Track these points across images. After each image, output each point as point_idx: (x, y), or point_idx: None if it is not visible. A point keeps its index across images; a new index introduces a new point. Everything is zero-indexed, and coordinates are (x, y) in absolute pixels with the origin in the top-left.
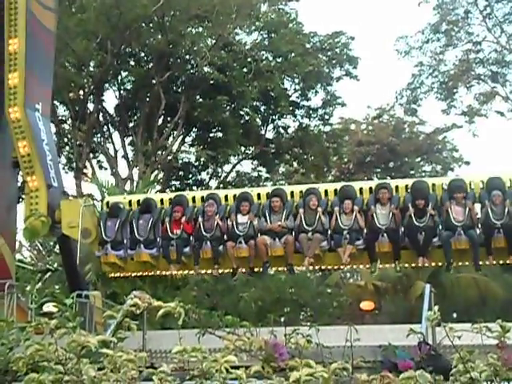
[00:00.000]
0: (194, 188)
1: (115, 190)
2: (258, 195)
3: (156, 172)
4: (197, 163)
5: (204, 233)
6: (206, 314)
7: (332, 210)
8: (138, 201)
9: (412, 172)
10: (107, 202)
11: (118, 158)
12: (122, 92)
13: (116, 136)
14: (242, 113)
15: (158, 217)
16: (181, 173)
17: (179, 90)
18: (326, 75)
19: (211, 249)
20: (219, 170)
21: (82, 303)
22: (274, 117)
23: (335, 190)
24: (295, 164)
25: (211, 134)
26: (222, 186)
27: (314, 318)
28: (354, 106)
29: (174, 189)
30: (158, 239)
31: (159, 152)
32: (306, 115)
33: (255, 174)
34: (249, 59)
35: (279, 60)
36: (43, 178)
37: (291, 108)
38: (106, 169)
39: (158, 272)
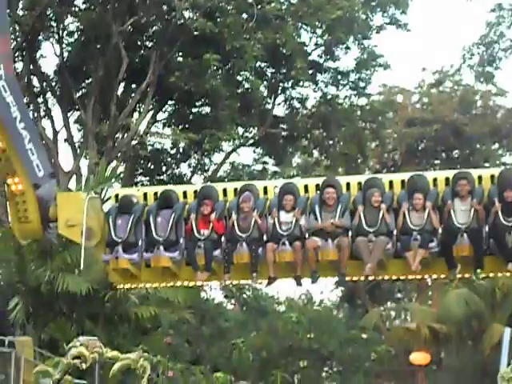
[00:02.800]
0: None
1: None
2: (306, 187)
3: (114, 163)
4: (174, 151)
5: (239, 233)
6: (184, 369)
7: (399, 206)
8: (156, 194)
9: (486, 164)
10: (117, 195)
11: (58, 143)
12: (64, 47)
13: (56, 110)
14: (239, 78)
15: (181, 213)
16: (151, 165)
17: (148, 45)
18: (361, 24)
19: (249, 252)
20: (206, 160)
21: (3, 354)
22: (285, 84)
23: (402, 182)
24: (316, 153)
25: (195, 110)
26: (210, 183)
27: (343, 377)
28: (403, 69)
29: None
30: (182, 240)
31: (119, 134)
32: (333, 82)
33: (258, 166)
34: (250, 0)
35: (293, 1)
36: (28, 179)
37: (311, 71)
38: None
39: (179, 282)
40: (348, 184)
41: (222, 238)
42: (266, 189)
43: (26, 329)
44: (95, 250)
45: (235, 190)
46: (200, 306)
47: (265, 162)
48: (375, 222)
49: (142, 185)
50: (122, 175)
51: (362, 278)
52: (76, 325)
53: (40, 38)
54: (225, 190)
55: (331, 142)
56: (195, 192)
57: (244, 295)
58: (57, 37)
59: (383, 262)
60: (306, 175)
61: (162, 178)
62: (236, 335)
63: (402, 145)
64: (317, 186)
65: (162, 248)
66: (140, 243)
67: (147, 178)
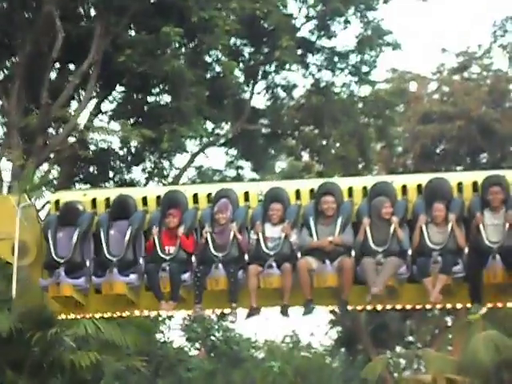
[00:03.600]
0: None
1: None
2: (297, 193)
3: (47, 166)
4: (124, 151)
5: (214, 251)
6: None
7: (414, 218)
8: (108, 200)
9: None
10: (57, 202)
11: None
12: None
13: None
14: (208, 59)
15: (141, 225)
16: (94, 169)
17: (90, 14)
18: None
19: (226, 276)
20: (165, 164)
21: None
22: (267, 68)
23: (419, 187)
24: (306, 155)
25: (150, 99)
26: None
27: None
28: (417, 50)
29: (87, 190)
30: (141, 261)
31: (52, 129)
32: (328, 65)
33: (232, 172)
34: None
35: None
36: None
37: (300, 52)
38: None
39: (138, 312)
40: (350, 189)
41: (193, 258)
42: (247, 195)
43: None
44: (29, 272)
45: (208, 195)
46: (155, 350)
47: (240, 167)
48: (385, 240)
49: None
50: (54, 182)
51: (368, 307)
52: None
53: None
54: (195, 196)
55: (325, 142)
56: (158, 198)
57: (212, 337)
58: None
59: (395, 289)
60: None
61: (107, 185)
62: None
63: (415, 146)
64: (311, 191)
65: (115, 271)
66: (88, 264)
67: (88, 186)
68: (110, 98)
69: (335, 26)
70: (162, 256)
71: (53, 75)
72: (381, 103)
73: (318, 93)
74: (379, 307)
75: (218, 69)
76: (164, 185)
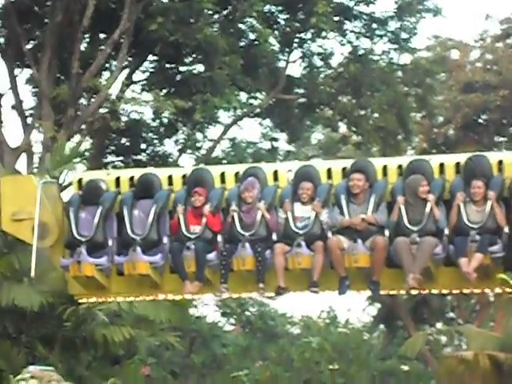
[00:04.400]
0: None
1: None
2: (329, 172)
3: (78, 138)
4: (156, 123)
5: (240, 230)
6: None
7: (452, 197)
8: (132, 179)
9: None
10: (80, 181)
11: (2, 110)
12: None
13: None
14: (241, 26)
15: (165, 204)
16: (126, 140)
17: None
18: None
19: (253, 256)
20: (198, 136)
21: None
22: (303, 35)
23: (457, 166)
24: (343, 126)
25: (183, 68)
26: (203, 165)
27: None
28: (459, 17)
29: (111, 169)
30: (165, 240)
31: (83, 100)
32: (366, 32)
33: (267, 144)
34: None
35: None
36: None
37: (337, 19)
38: None
39: (161, 295)
40: (385, 168)
41: (219, 238)
42: (276, 174)
43: None
44: (51, 253)
45: (236, 174)
46: (189, 326)
47: (275, 139)
48: (420, 219)
49: (114, 167)
50: (87, 154)
51: (403, 292)
52: (25, 350)
53: None
54: (223, 175)
55: (363, 112)
56: (184, 177)
57: (247, 312)
58: None
59: (430, 272)
60: (330, 156)
61: (140, 157)
62: (236, 365)
63: (456, 117)
64: (343, 170)
65: (139, 250)
66: (110, 243)
67: (120, 158)
68: (142, 67)
69: None
70: (187, 235)
71: (84, 44)
72: (421, 71)
73: (355, 61)
74: (414, 292)
75: (252, 37)
76: (197, 157)
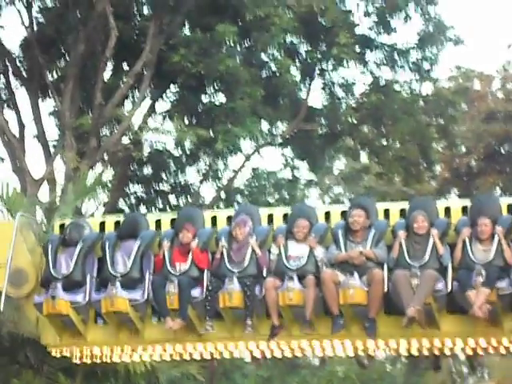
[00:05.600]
0: (173, 200)
1: (21, 198)
2: (327, 215)
3: (100, 168)
4: (178, 152)
5: (229, 266)
6: None
7: (457, 234)
8: (117, 223)
9: None
10: (62, 226)
11: (25, 140)
12: (34, 14)
13: (22, 97)
14: (264, 58)
15: (151, 242)
16: (148, 170)
17: (145, 12)
18: None
19: (241, 290)
20: (220, 165)
21: None
22: (324, 65)
23: (463, 209)
24: (365, 156)
25: (205, 99)
26: (225, 194)
27: None
28: (480, 47)
29: (134, 199)
30: (148, 277)
31: (106, 130)
32: (388, 62)
33: (288, 173)
34: None
35: None
36: None
37: (358, 49)
38: (1, 159)
39: (139, 345)
40: (387, 211)
41: (205, 274)
42: (271, 217)
43: None
44: (26, 302)
45: (228, 218)
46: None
47: (296, 168)
48: (422, 254)
49: (137, 197)
50: (108, 184)
51: (403, 342)
52: (47, 381)
53: (2, 2)
54: (214, 218)
55: (385, 142)
56: (173, 221)
57: None
58: (25, 2)
59: (433, 317)
60: (352, 185)
61: (161, 187)
62: None
63: (478, 147)
64: (343, 213)
65: (118, 285)
66: (88, 281)
67: (142, 187)
68: (164, 97)
69: (395, 21)
70: (172, 272)
71: (106, 75)
72: (443, 101)
73: (377, 91)
74: (414, 352)
75: (273, 67)
76: (218, 187)
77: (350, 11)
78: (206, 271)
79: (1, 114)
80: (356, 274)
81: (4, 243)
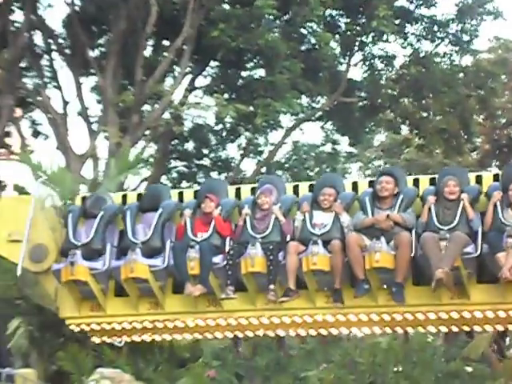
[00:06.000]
0: (214, 175)
1: (65, 174)
2: (354, 185)
3: (142, 143)
4: (218, 127)
5: (252, 232)
6: None
7: (488, 200)
8: (139, 195)
9: None
10: (84, 198)
11: (68, 117)
12: None
13: (65, 75)
14: (303, 31)
15: (172, 212)
16: (189, 145)
17: None
18: None
19: (263, 256)
20: (260, 140)
21: None
22: (364, 38)
23: (495, 177)
24: (405, 128)
25: (245, 73)
26: (265, 168)
27: None
28: None
29: (175, 174)
30: (169, 245)
31: (147, 106)
32: (427, 35)
33: (329, 147)
34: None
35: None
36: None
37: (398, 21)
38: (46, 137)
39: (159, 316)
40: (416, 181)
41: (227, 242)
42: (296, 189)
43: (29, 358)
44: (45, 277)
45: (252, 189)
46: None
47: (336, 142)
48: (451, 219)
49: (178, 172)
50: (151, 159)
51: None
52: (92, 353)
53: None
54: (238, 191)
55: (425, 115)
56: (196, 194)
57: None
58: None
59: (464, 287)
60: (393, 159)
61: (202, 162)
62: (300, 368)
63: None
64: (370, 183)
65: (138, 251)
66: (108, 248)
67: (183, 164)
68: (205, 73)
69: None
70: (193, 238)
71: (147, 51)
72: (483, 73)
73: (417, 63)
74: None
75: (313, 41)
76: (258, 161)
77: None
78: (227, 239)
79: (44, 91)
80: (383, 238)
81: (25, 218)
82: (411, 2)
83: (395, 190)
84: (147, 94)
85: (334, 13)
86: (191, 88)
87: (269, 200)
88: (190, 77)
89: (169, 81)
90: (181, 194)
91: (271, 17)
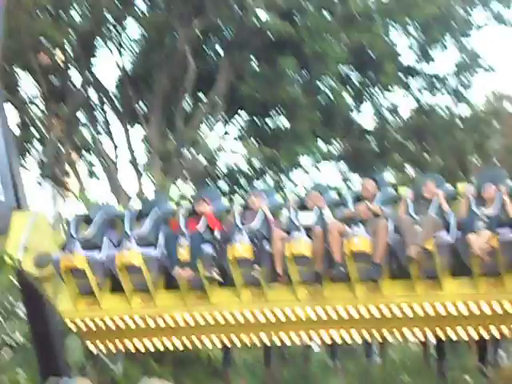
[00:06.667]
0: None
1: None
2: (339, 194)
3: (181, 183)
4: (247, 167)
5: (240, 224)
6: None
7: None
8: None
9: None
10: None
11: (119, 161)
12: (124, 54)
13: (116, 125)
14: (320, 85)
15: (168, 212)
16: (222, 184)
17: (218, 50)
18: (460, 21)
19: (250, 243)
20: (282, 177)
21: None
22: (373, 89)
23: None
24: (410, 169)
25: (270, 122)
26: None
27: None
28: (510, 72)
29: None
30: (162, 236)
31: (185, 150)
32: (428, 88)
33: (343, 185)
34: None
35: None
36: None
37: (402, 76)
38: (99, 178)
39: (151, 309)
40: (395, 186)
41: (215, 234)
42: (286, 197)
43: (86, 367)
44: (46, 282)
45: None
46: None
47: (347, 180)
48: (426, 211)
49: None
50: (189, 198)
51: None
52: (138, 364)
53: (98, 42)
54: (231, 200)
55: (427, 156)
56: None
57: None
58: (117, 44)
59: (438, 280)
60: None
61: (234, 198)
62: (322, 380)
63: (509, 159)
64: (355, 196)
65: (133, 241)
66: (106, 242)
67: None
68: (235, 122)
69: (434, 52)
70: (184, 231)
71: (186, 104)
72: (477, 121)
73: (420, 113)
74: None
75: (329, 93)
76: (283, 198)
77: (394, 43)
78: (216, 231)
79: (98, 140)
80: (361, 225)
81: (42, 233)
82: (415, 61)
83: (376, 191)
84: (186, 141)
85: (347, 69)
86: (223, 135)
87: (258, 200)
88: (222, 125)
89: (204, 129)
90: (178, 203)
91: (292, 73)
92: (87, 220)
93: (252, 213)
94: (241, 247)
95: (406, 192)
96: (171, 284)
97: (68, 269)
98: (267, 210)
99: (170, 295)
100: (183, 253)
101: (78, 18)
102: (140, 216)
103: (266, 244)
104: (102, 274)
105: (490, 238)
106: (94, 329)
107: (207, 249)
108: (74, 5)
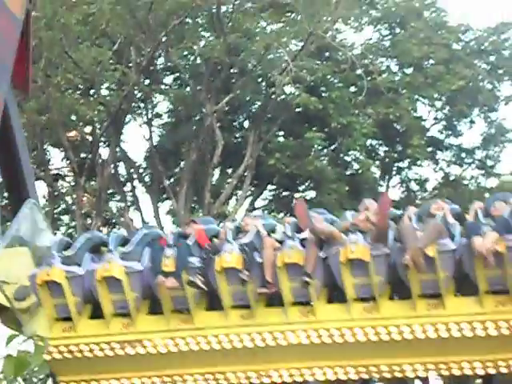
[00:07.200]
0: None
1: None
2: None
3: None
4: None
5: (230, 238)
6: None
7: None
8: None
9: None
10: None
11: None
12: (153, 129)
13: (145, 200)
14: (347, 158)
15: (154, 234)
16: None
17: (245, 125)
18: (487, 94)
19: (240, 254)
20: None
21: None
22: (400, 164)
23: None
24: None
25: (297, 195)
26: None
27: None
28: None
29: None
30: (147, 249)
31: None
32: (456, 161)
33: None
34: (358, 71)
35: (408, 71)
36: None
37: (430, 149)
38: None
39: (133, 327)
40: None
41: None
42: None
43: None
44: (25, 315)
45: (237, 227)
46: None
47: None
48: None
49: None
50: None
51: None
52: None
53: (127, 120)
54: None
55: None
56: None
57: None
58: (145, 119)
59: (441, 297)
60: None
61: None
62: None
63: None
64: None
65: (116, 254)
66: (87, 256)
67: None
68: (263, 195)
69: (461, 125)
70: (171, 244)
71: (214, 178)
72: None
73: (447, 185)
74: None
75: (356, 167)
76: None
77: (421, 117)
78: (206, 245)
79: (127, 214)
80: (359, 233)
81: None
82: (441, 133)
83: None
84: (214, 215)
85: (374, 142)
86: (252, 208)
87: (253, 222)
88: (250, 199)
89: (232, 202)
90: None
91: (319, 147)
92: (65, 247)
93: (245, 233)
94: (229, 257)
95: (409, 209)
96: (155, 309)
97: (44, 283)
98: (262, 228)
99: (153, 320)
100: (168, 264)
101: (106, 94)
102: (126, 242)
103: (256, 256)
104: (81, 295)
105: (496, 239)
106: (69, 356)
107: (194, 260)
108: (104, 82)
